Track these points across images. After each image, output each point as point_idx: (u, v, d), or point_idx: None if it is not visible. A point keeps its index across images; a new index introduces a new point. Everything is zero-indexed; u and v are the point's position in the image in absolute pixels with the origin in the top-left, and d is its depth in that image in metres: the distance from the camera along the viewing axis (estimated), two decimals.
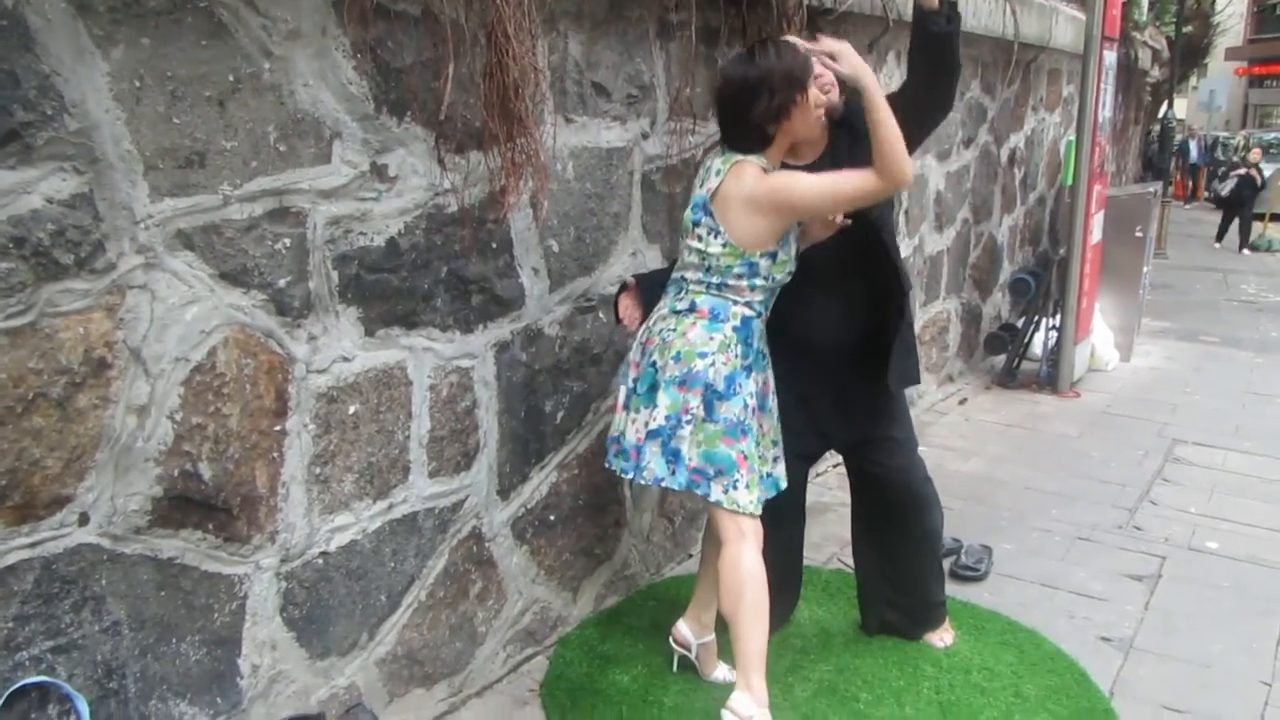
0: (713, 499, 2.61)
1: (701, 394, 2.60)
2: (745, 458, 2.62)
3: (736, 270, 2.62)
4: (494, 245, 2.77)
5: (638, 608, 3.45)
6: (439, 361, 2.66)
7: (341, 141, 2.31)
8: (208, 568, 2.20)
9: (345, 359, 2.41)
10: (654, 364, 2.66)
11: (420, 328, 2.59)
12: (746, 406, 2.63)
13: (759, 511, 2.63)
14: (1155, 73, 13.75)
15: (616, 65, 3.10)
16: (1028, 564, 3.88)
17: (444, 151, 2.53)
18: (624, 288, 2.92)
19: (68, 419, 1.89)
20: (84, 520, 1.95)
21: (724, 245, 2.60)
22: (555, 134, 2.85)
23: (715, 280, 2.64)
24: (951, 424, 5.66)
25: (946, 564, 3.80)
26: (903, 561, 3.19)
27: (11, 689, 1.87)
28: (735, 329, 2.64)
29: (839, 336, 2.96)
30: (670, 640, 3.02)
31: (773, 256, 2.63)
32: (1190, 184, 21.83)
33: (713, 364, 2.60)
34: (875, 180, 2.51)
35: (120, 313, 1.95)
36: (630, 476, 2.70)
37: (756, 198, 2.56)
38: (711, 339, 2.62)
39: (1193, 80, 24.07)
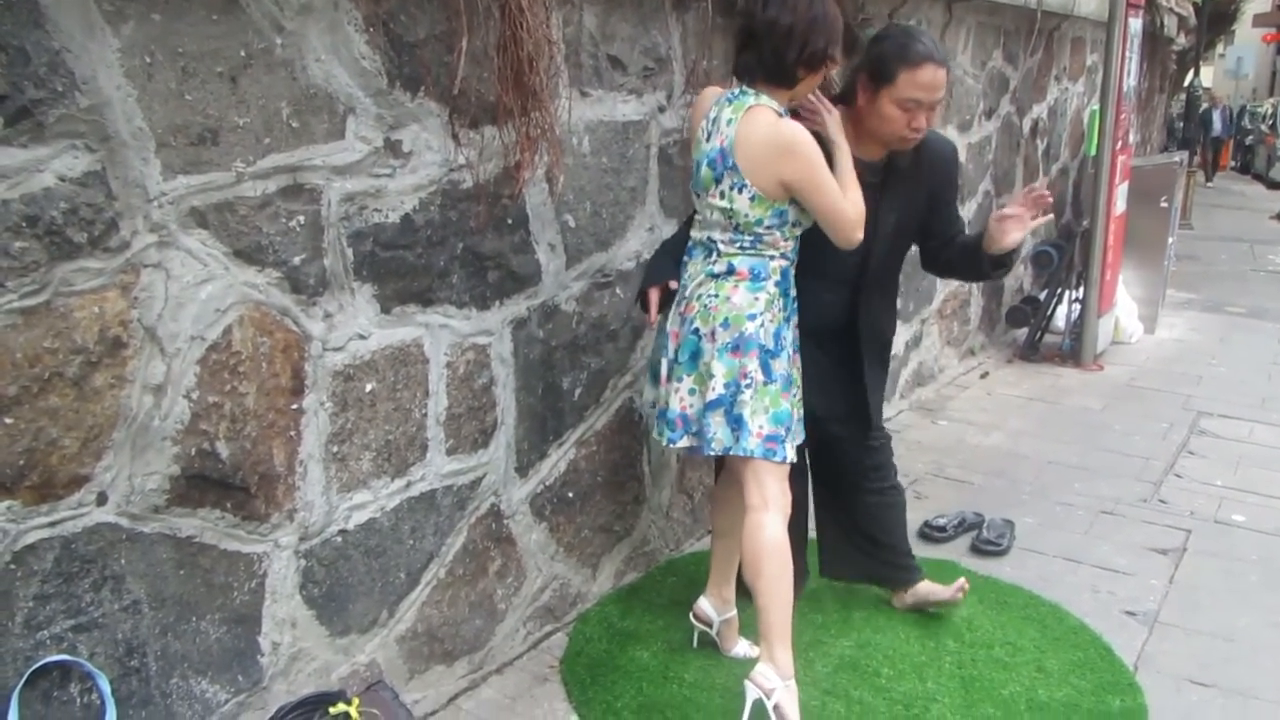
0: (786, 460, 2.62)
1: (757, 356, 2.57)
2: (796, 409, 2.67)
3: (767, 222, 2.57)
4: (509, 221, 2.75)
5: (657, 584, 3.45)
6: (455, 339, 2.65)
7: (355, 117, 2.29)
8: (226, 546, 2.20)
9: (361, 336, 2.40)
10: (696, 331, 2.62)
11: (436, 305, 2.58)
12: (790, 359, 2.64)
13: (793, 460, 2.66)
14: (1181, 40, 13.53)
15: (632, 38, 3.06)
16: (1050, 538, 3.85)
17: (458, 127, 2.51)
18: (653, 283, 2.78)
19: (84, 398, 1.89)
20: (102, 500, 1.95)
21: (751, 198, 2.54)
22: (570, 108, 2.82)
23: (748, 239, 2.59)
24: (973, 398, 5.62)
25: (968, 538, 3.79)
26: (877, 524, 3.22)
27: (33, 667, 1.88)
28: (777, 283, 2.63)
29: (828, 323, 2.94)
30: (691, 617, 3.01)
31: (796, 202, 2.58)
32: (1213, 158, 20.49)
33: (762, 325, 2.58)
34: (848, 227, 2.56)
35: (135, 291, 1.94)
36: (674, 445, 2.69)
37: (780, 143, 2.49)
38: (756, 299, 2.59)
39: (1219, 47, 23.73)
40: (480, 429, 2.78)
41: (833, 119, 2.67)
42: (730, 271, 2.61)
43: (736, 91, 2.59)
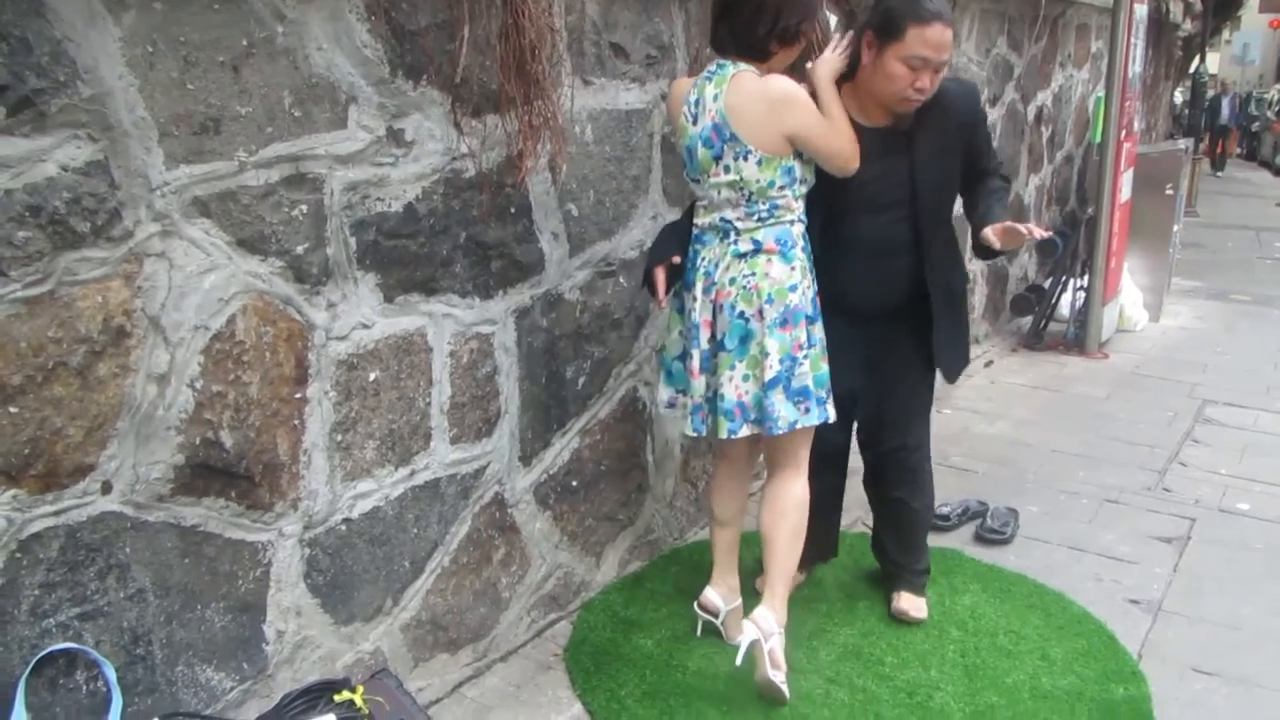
0: (830, 418, 2.70)
1: (805, 326, 2.64)
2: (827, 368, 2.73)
3: (779, 183, 2.58)
4: (512, 210, 2.74)
5: (661, 572, 3.45)
6: (459, 328, 2.65)
7: (357, 106, 2.29)
8: (231, 535, 2.21)
9: (365, 326, 2.41)
10: (742, 314, 2.61)
11: (439, 294, 2.58)
12: (821, 321, 2.71)
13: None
14: (1187, 26, 13.46)
15: (635, 25, 3.05)
16: (1054, 527, 3.85)
17: (461, 115, 2.50)
18: (659, 260, 2.77)
19: (88, 388, 1.89)
20: (107, 489, 1.96)
21: (759, 162, 2.55)
22: (573, 96, 2.82)
23: (764, 207, 2.60)
24: (978, 386, 5.61)
25: (972, 527, 3.79)
26: (882, 519, 3.24)
27: (39, 655, 1.89)
28: (804, 249, 2.67)
29: (880, 302, 2.89)
30: (696, 607, 3.01)
31: (800, 155, 2.61)
32: (1221, 147, 19.74)
33: (803, 293, 2.63)
34: (846, 157, 2.61)
35: (138, 281, 1.95)
36: (735, 435, 2.68)
37: (772, 95, 2.53)
38: (793, 269, 2.62)
39: (1226, 33, 23.58)
40: (484, 418, 2.78)
41: (828, 64, 2.67)
42: (758, 248, 2.62)
43: (714, 68, 2.61)
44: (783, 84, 2.55)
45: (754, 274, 2.60)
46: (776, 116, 2.53)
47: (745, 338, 2.62)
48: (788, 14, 2.53)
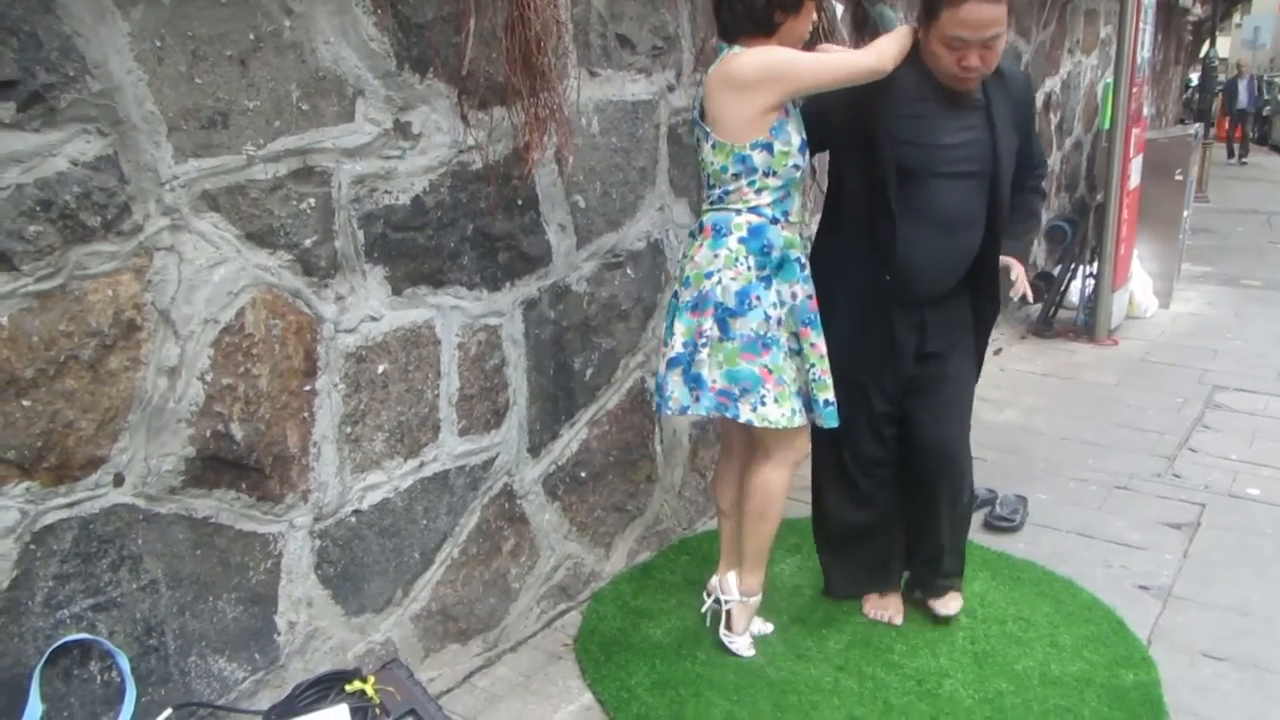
0: (742, 419, 2.59)
1: (713, 314, 2.56)
2: (770, 371, 2.58)
3: (732, 170, 2.54)
4: (519, 202, 2.75)
5: (671, 563, 3.46)
6: (467, 320, 2.66)
7: (364, 99, 2.30)
8: (242, 526, 2.22)
9: (373, 318, 2.42)
10: (675, 293, 2.67)
11: (447, 286, 2.59)
12: (769, 319, 2.56)
13: (795, 424, 2.63)
14: (1197, 10, 13.39)
15: (641, 16, 3.05)
16: (1064, 514, 3.85)
17: (467, 108, 2.51)
18: None
19: (99, 381, 1.91)
20: (119, 481, 1.98)
21: (713, 146, 2.54)
22: (579, 88, 2.82)
23: (718, 192, 2.60)
24: (987, 374, 5.55)
25: (981, 514, 3.78)
26: (919, 524, 3.03)
27: (54, 646, 1.91)
28: (742, 240, 2.55)
29: (942, 279, 2.76)
30: (705, 594, 3.02)
31: (768, 148, 2.51)
32: (1240, 133, 18.25)
33: (719, 282, 2.55)
34: (880, 56, 2.51)
35: (148, 275, 1.96)
36: (658, 410, 2.75)
37: (732, 73, 2.47)
38: (716, 256, 2.56)
39: (1236, 17, 23.38)
40: (492, 409, 2.79)
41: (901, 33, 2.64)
42: (700, 229, 2.64)
43: (720, 55, 2.58)
44: (747, 59, 2.47)
45: (686, 255, 2.66)
46: (741, 95, 2.47)
47: (671, 315, 2.68)
48: None
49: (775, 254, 2.57)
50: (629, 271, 3.18)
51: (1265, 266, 8.52)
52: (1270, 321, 6.70)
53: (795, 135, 2.56)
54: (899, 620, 3.05)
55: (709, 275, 2.56)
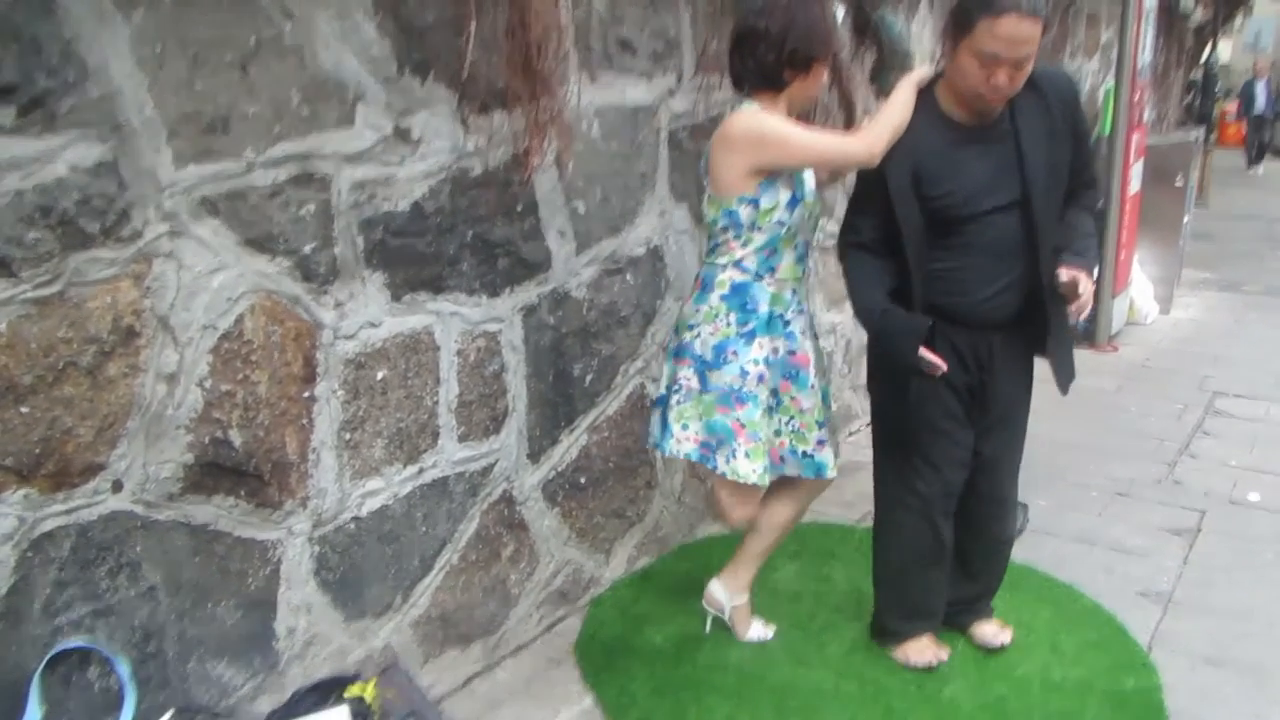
0: (718, 470, 2.67)
1: (692, 365, 2.66)
2: (743, 426, 2.62)
3: (721, 224, 2.61)
4: (519, 208, 2.75)
5: (670, 568, 3.46)
6: (466, 326, 2.66)
7: (365, 104, 2.30)
8: (241, 533, 2.22)
9: (372, 325, 2.41)
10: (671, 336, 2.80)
11: (447, 292, 2.59)
12: (745, 374, 2.61)
13: (762, 483, 2.68)
14: (1198, 14, 13.37)
15: (642, 20, 3.05)
16: (1065, 520, 3.84)
17: (467, 113, 2.51)
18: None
19: (98, 387, 1.90)
20: (118, 487, 1.97)
21: (708, 198, 2.63)
22: (580, 92, 2.82)
23: (711, 244, 2.69)
24: None
25: None
26: (973, 553, 2.94)
27: (53, 652, 1.91)
28: (723, 297, 2.62)
29: (995, 314, 2.65)
30: (703, 602, 3.03)
31: (754, 204, 2.55)
32: (1258, 141, 16.57)
33: (698, 335, 2.64)
34: (869, 143, 2.48)
35: (147, 281, 1.96)
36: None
37: (729, 133, 2.53)
38: (698, 311, 2.66)
39: (1237, 21, 23.33)
40: (491, 416, 2.79)
41: (918, 72, 2.62)
42: (695, 280, 2.74)
43: (734, 104, 2.63)
44: (742, 122, 2.52)
45: (685, 302, 2.78)
46: (731, 155, 2.53)
47: (667, 355, 2.81)
48: (794, 39, 2.49)
49: (763, 310, 2.62)
50: (629, 278, 3.18)
51: (1266, 273, 8.52)
52: (1271, 328, 6.70)
53: (784, 192, 2.57)
54: (945, 655, 2.89)
55: (690, 327, 2.67)
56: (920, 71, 2.62)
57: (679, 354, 2.69)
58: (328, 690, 2.32)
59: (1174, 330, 6.63)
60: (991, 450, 2.81)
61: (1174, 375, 5.65)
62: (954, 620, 3.01)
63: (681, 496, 3.64)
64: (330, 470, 2.38)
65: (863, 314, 2.64)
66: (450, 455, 2.68)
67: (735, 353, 2.61)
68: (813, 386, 2.72)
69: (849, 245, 2.70)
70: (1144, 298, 6.79)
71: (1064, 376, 2.83)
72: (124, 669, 2.01)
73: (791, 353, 2.69)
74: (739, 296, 2.62)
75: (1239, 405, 5.14)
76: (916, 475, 2.75)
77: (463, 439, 2.71)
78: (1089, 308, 2.62)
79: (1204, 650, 2.99)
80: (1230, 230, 10.66)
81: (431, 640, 2.74)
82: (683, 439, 2.68)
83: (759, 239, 2.59)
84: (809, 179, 2.67)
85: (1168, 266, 6.98)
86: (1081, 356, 6.06)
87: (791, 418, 2.73)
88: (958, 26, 2.43)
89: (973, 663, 2.90)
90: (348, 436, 2.40)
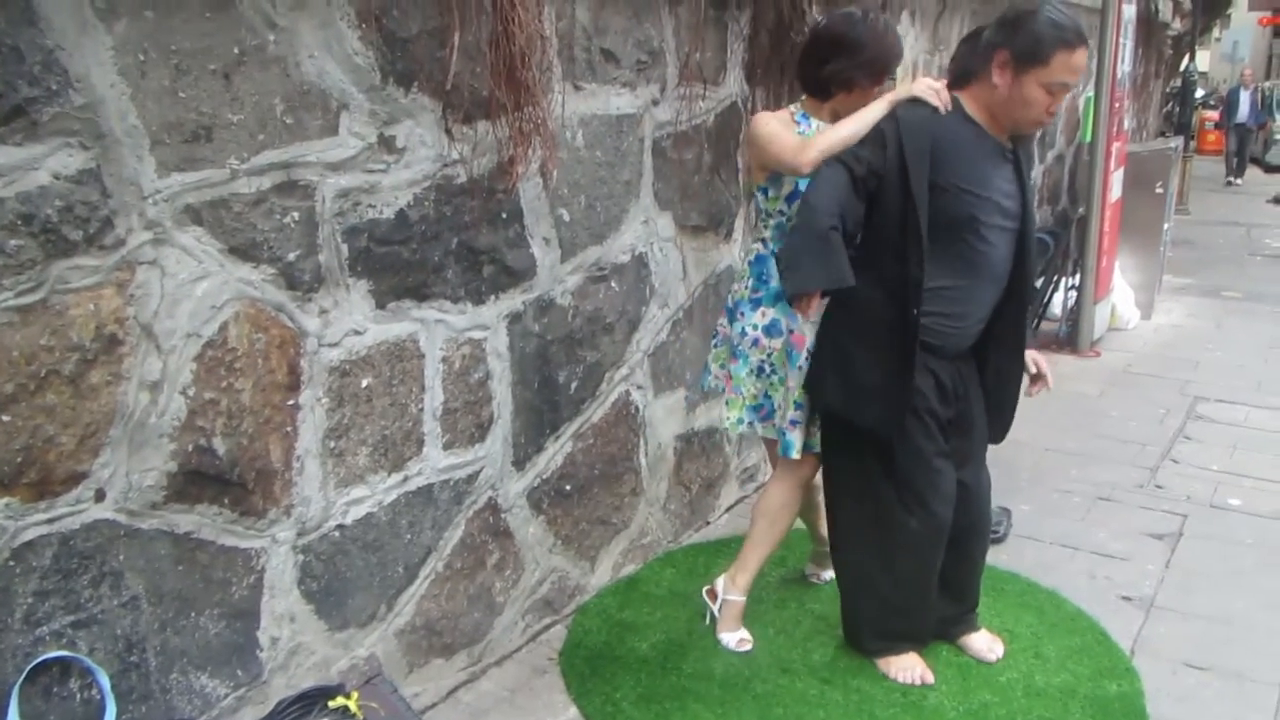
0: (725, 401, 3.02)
1: (726, 316, 3.01)
2: (730, 377, 2.96)
3: (755, 204, 2.95)
4: (504, 215, 2.75)
5: (656, 576, 3.46)
6: (451, 333, 2.66)
7: (349, 113, 2.30)
8: (225, 542, 2.21)
9: (357, 332, 2.41)
10: None
11: (431, 300, 2.59)
12: (744, 334, 2.90)
13: (735, 432, 3.10)
14: (1176, 25, 13.51)
15: (625, 31, 3.06)
16: (1047, 525, 3.86)
17: (452, 122, 2.51)
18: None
19: (81, 396, 1.90)
20: (100, 496, 1.96)
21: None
22: (564, 102, 2.83)
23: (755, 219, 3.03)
24: None
25: None
26: (958, 559, 2.90)
27: (34, 663, 1.89)
28: (749, 263, 2.94)
29: (972, 339, 2.73)
30: (704, 593, 3.13)
31: (764, 192, 2.87)
32: (1238, 150, 15.98)
33: (732, 290, 3.01)
34: (801, 156, 2.64)
35: (130, 289, 1.95)
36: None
37: (749, 129, 2.85)
38: (740, 270, 3.00)
39: (1215, 31, 23.55)
40: (476, 423, 2.79)
41: (920, 88, 2.62)
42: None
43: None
44: (755, 122, 2.81)
45: None
46: (748, 149, 2.93)
47: None
48: (838, 59, 2.75)
49: (774, 284, 2.84)
50: (613, 285, 3.19)
51: (1245, 278, 8.59)
52: (1250, 333, 6.76)
53: (786, 185, 2.82)
54: (931, 679, 2.86)
55: (735, 281, 3.03)
56: (901, 89, 2.67)
57: (727, 305, 3.03)
58: (311, 701, 2.31)
59: (1155, 336, 6.68)
60: (974, 478, 2.87)
61: (1155, 380, 5.69)
62: (943, 633, 3.01)
63: (667, 504, 3.64)
64: (314, 478, 2.37)
65: (793, 248, 2.62)
66: (435, 463, 2.68)
67: (742, 313, 2.92)
68: (800, 368, 2.82)
69: (829, 228, 2.54)
70: (1125, 304, 6.84)
71: (1003, 426, 2.94)
72: (105, 680, 2.00)
73: (791, 331, 2.85)
74: (759, 266, 2.90)
75: (1220, 410, 5.19)
76: (908, 514, 2.73)
77: (448, 446, 2.71)
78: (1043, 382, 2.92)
79: (1186, 655, 3.01)
80: (1210, 236, 10.77)
81: (416, 650, 2.73)
82: (719, 375, 3.04)
83: (771, 222, 2.89)
84: None
85: (1149, 273, 7.04)
86: (1063, 362, 6.16)
87: (777, 390, 2.90)
88: (1029, 60, 2.45)
89: (956, 670, 2.91)
90: (332, 444, 2.40)
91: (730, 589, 3.03)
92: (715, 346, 3.07)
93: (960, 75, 2.66)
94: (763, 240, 2.90)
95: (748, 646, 3.00)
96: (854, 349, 2.68)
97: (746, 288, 2.91)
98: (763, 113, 2.88)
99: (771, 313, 2.86)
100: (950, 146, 2.56)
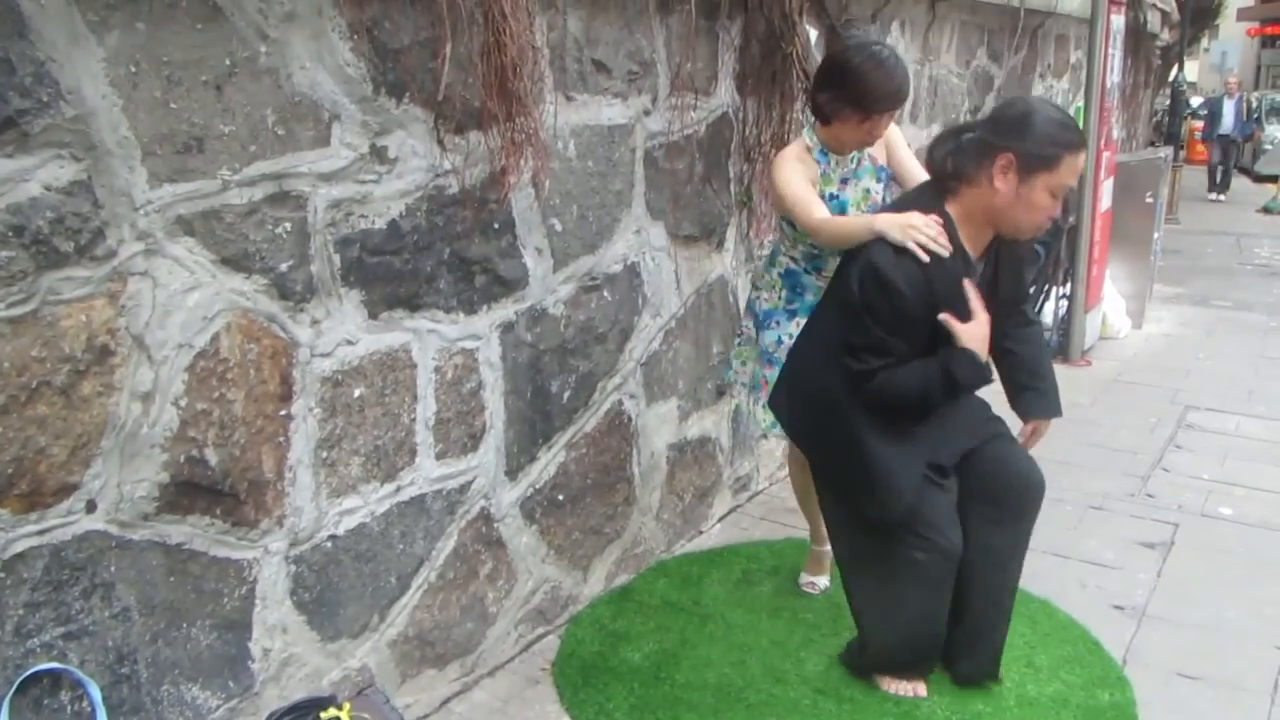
0: (759, 404, 3.15)
1: (753, 319, 3.19)
2: (767, 382, 3.06)
3: (782, 225, 3.06)
4: (496, 226, 2.75)
5: (649, 585, 3.45)
6: (443, 343, 2.66)
7: (340, 124, 2.30)
8: (216, 553, 2.20)
9: (349, 342, 2.41)
10: None
11: (424, 310, 2.59)
12: (780, 343, 3.05)
13: (771, 432, 3.18)
14: (1165, 35, 13.57)
15: (616, 41, 3.07)
16: (1038, 534, 3.80)
17: (444, 132, 2.51)
18: None
19: (72, 407, 1.89)
20: (91, 507, 1.96)
21: None
22: (556, 112, 2.83)
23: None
24: None
25: None
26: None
27: (24, 675, 1.88)
28: (780, 274, 3.09)
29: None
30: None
31: (791, 225, 2.96)
32: (1222, 162, 14.94)
33: (760, 296, 3.16)
34: (810, 223, 2.76)
35: (122, 300, 1.95)
36: None
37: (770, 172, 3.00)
38: (764, 277, 3.17)
39: (1204, 42, 23.69)
40: (469, 433, 2.78)
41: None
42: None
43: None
44: (777, 155, 3.01)
45: None
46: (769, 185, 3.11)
47: None
48: (832, 88, 2.82)
49: (809, 297, 3.04)
50: (606, 294, 3.19)
51: (1235, 287, 8.62)
52: (1241, 342, 6.78)
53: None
54: (924, 691, 2.84)
55: (758, 289, 3.19)
56: (896, 219, 2.49)
57: (749, 306, 3.23)
58: (303, 712, 2.30)
59: (1146, 345, 6.70)
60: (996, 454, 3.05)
61: (1146, 389, 5.71)
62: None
63: (660, 513, 3.64)
64: (307, 489, 2.37)
65: (922, 389, 2.67)
66: (428, 473, 2.68)
67: (777, 322, 3.09)
68: None
69: (867, 385, 2.57)
70: (1116, 313, 6.86)
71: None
72: (95, 692, 1.99)
73: None
74: (791, 279, 3.08)
75: (1211, 419, 5.20)
76: (916, 547, 2.66)
77: (440, 456, 2.71)
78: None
79: (1178, 664, 3.01)
80: (1200, 246, 10.80)
81: (409, 660, 2.73)
82: (740, 372, 3.27)
83: (799, 249, 3.03)
84: (851, 206, 2.98)
85: (1139, 282, 7.06)
86: (1055, 370, 6.13)
87: None
88: (1037, 164, 2.40)
89: (949, 680, 2.90)
90: (324, 455, 2.40)
91: (815, 540, 3.36)
92: (739, 345, 3.29)
93: (947, 179, 2.54)
94: (792, 258, 3.06)
95: (821, 586, 3.39)
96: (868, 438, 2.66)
97: (780, 298, 3.08)
98: (783, 151, 3.00)
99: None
100: (947, 298, 2.51)
